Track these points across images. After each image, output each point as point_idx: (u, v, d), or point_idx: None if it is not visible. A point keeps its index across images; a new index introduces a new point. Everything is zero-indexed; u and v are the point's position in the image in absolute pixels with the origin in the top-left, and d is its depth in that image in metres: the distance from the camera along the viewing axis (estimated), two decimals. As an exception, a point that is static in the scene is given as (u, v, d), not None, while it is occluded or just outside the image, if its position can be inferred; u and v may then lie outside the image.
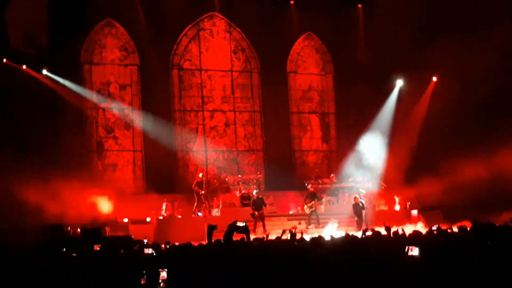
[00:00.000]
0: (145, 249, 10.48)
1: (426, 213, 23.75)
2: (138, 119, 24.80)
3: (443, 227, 14.44)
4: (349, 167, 24.95)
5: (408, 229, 15.42)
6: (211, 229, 10.33)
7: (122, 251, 10.43)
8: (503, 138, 22.89)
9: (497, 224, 12.43)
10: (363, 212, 21.48)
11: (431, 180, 24.10)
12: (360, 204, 21.60)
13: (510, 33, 23.57)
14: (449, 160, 23.73)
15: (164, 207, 21.77)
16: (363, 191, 23.09)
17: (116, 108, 24.71)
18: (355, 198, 21.89)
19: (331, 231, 18.76)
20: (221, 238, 10.32)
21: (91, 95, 24.21)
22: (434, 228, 13.62)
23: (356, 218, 21.50)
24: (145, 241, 14.33)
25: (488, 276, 5.81)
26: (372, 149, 25.20)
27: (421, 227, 19.55)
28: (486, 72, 23.83)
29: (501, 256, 6.99)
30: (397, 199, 24.20)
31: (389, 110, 26.63)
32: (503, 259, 6.66)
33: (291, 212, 23.84)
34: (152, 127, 24.36)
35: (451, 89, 24.90)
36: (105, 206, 21.46)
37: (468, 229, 12.31)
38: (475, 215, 16.32)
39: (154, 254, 9.87)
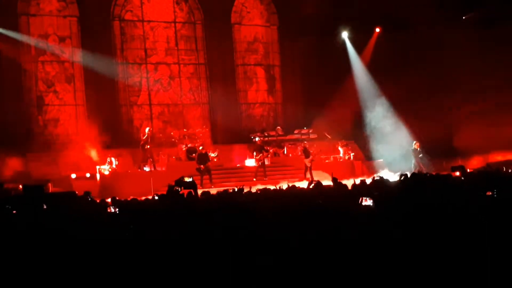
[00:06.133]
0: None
1: (370, 164, 24.31)
2: (79, 73, 24.12)
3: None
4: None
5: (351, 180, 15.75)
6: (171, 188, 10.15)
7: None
8: (445, 89, 23.46)
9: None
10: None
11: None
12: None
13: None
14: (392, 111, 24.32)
15: (113, 162, 21.34)
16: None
17: (56, 61, 23.93)
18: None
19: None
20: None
21: (30, 48, 23.33)
22: (376, 177, 13.98)
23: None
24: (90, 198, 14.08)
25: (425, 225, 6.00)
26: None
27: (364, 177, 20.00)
28: (428, 23, 24.24)
29: (436, 204, 7.24)
30: (341, 150, 24.59)
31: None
32: (438, 208, 6.90)
33: (238, 165, 23.95)
34: (94, 81, 23.75)
35: (394, 40, 25.28)
36: (47, 162, 20.99)
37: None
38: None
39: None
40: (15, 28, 22.77)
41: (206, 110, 26.70)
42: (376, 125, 25.05)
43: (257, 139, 23.48)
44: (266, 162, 22.76)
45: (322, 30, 26.10)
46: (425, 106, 23.96)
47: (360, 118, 25.67)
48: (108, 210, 8.83)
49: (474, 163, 21.23)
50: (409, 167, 22.00)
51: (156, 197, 11.52)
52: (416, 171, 19.33)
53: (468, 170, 15.31)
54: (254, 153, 22.57)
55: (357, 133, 25.66)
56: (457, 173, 13.20)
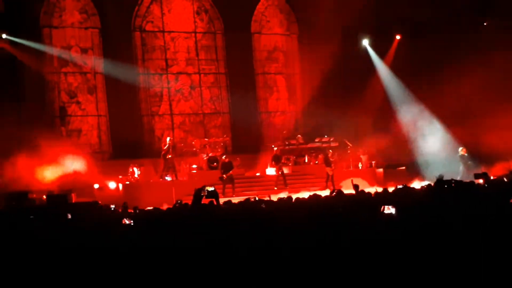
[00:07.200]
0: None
1: (392, 171, 24.11)
2: (101, 83, 24.39)
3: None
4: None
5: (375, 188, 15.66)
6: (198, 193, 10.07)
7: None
8: (469, 96, 23.21)
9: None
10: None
11: (396, 138, 24.52)
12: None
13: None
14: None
15: (136, 172, 21.44)
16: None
17: (78, 72, 24.23)
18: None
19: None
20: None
21: (52, 59, 23.65)
22: (400, 186, 13.85)
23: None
24: (112, 207, 14.18)
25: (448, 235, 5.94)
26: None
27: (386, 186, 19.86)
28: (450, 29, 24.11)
29: (461, 211, 7.15)
30: (363, 158, 24.47)
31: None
32: (463, 215, 6.82)
33: (257, 174, 23.94)
34: (115, 91, 24.00)
35: (415, 47, 25.15)
36: (70, 172, 21.16)
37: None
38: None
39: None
40: (38, 40, 23.09)
41: (226, 119, 26.79)
42: (403, 132, 24.87)
43: (275, 148, 23.46)
44: (286, 171, 22.73)
45: (342, 38, 26.05)
46: (449, 113, 23.76)
47: (383, 125, 25.47)
48: (123, 222, 8.75)
49: (497, 170, 20.96)
50: (436, 174, 21.72)
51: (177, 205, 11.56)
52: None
53: (492, 178, 15.10)
54: (273, 162, 22.61)
55: (380, 141, 25.46)
56: (481, 181, 13.03)
